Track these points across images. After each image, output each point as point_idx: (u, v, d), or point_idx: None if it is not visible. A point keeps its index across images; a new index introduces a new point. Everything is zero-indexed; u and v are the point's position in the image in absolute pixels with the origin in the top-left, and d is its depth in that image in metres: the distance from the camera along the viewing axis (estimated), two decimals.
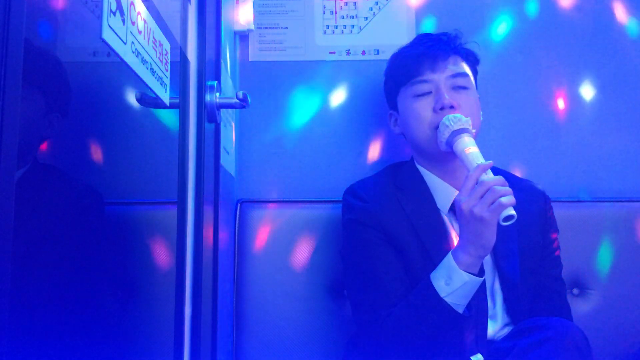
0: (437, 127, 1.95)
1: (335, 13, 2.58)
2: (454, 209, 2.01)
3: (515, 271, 2.01)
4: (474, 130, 1.91)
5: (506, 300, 2.01)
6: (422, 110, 2.01)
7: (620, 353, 2.29)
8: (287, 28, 2.58)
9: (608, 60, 2.58)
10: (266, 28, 2.57)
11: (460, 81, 2.04)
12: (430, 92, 2.02)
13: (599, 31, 2.59)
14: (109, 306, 2.15)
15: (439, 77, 2.02)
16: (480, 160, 1.80)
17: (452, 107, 1.96)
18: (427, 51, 2.04)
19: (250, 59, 2.56)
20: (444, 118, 1.92)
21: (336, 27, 2.58)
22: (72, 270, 1.87)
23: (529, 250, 2.06)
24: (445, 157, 2.01)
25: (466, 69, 2.08)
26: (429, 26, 2.55)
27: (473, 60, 2.15)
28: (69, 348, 1.73)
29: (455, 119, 1.90)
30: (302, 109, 2.53)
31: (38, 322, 1.63)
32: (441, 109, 1.96)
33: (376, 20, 2.58)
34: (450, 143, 1.89)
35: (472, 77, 2.10)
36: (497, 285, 2.02)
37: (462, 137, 1.86)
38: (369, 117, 2.53)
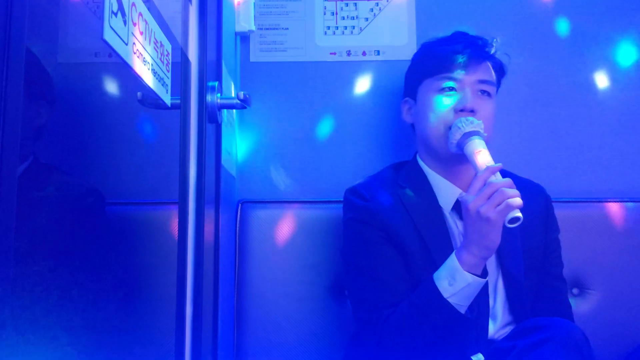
0: (451, 127, 1.95)
1: (336, 14, 2.58)
2: (456, 207, 2.02)
3: (519, 270, 2.01)
4: (485, 134, 1.91)
5: (509, 299, 2.01)
6: (442, 106, 2.00)
7: (620, 353, 2.29)
8: (287, 29, 2.58)
9: (608, 61, 2.59)
10: (267, 29, 2.57)
11: (486, 87, 2.03)
12: (454, 90, 2.01)
13: (598, 33, 2.60)
14: (110, 305, 2.16)
15: (468, 79, 2.01)
16: (490, 162, 1.81)
17: (472, 110, 1.96)
18: (463, 50, 2.02)
19: (251, 60, 2.56)
20: (456, 120, 1.93)
21: (337, 28, 2.58)
22: (73, 268, 1.87)
23: (531, 249, 2.06)
24: (452, 159, 2.00)
25: (494, 78, 2.09)
26: (430, 27, 2.55)
27: (501, 72, 2.15)
28: (71, 346, 1.74)
29: (468, 122, 1.90)
30: (302, 110, 2.53)
31: (39, 318, 1.63)
32: (461, 110, 1.96)
33: (377, 21, 2.58)
34: (461, 145, 1.89)
35: (495, 87, 2.10)
36: (500, 284, 2.02)
37: (473, 139, 1.87)
38: (370, 118, 2.53)
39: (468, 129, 1.89)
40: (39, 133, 1.98)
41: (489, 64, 2.08)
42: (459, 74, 2.01)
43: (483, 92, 2.02)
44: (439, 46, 2.10)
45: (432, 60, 2.08)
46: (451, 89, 2.01)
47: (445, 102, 2.00)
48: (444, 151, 2.00)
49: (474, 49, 2.04)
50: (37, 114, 1.92)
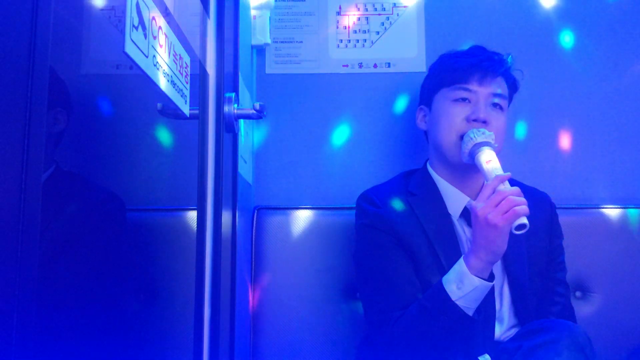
0: (463, 136, 1.96)
1: (348, 28, 2.59)
2: (464, 214, 2.03)
3: (524, 275, 2.02)
4: (496, 145, 1.92)
5: (514, 303, 2.01)
6: (456, 115, 2.01)
7: (621, 353, 2.29)
8: (302, 42, 2.58)
9: (610, 73, 2.58)
10: (282, 42, 2.58)
11: (499, 100, 2.04)
12: (469, 101, 2.02)
13: (600, 45, 2.59)
14: (131, 307, 2.16)
15: (483, 91, 2.02)
16: (499, 172, 1.82)
17: (484, 121, 1.97)
18: (480, 64, 2.04)
19: (266, 72, 2.56)
20: (469, 131, 1.94)
21: (349, 41, 2.58)
22: (96, 272, 1.88)
23: (536, 255, 2.06)
24: (462, 167, 2.02)
25: (507, 92, 2.10)
26: (438, 40, 2.55)
27: (513, 89, 2.16)
28: (93, 346, 1.74)
29: (479, 132, 1.91)
30: (316, 120, 2.54)
31: (63, 321, 1.63)
32: (474, 120, 1.98)
33: (387, 35, 2.58)
34: (472, 154, 1.90)
35: (507, 102, 2.11)
36: (506, 288, 2.02)
37: (484, 149, 1.88)
38: (381, 127, 2.53)
39: (479, 140, 1.89)
40: (58, 139, 1.99)
41: (503, 79, 2.09)
42: (474, 85, 2.02)
43: (495, 105, 2.03)
44: (456, 58, 2.11)
45: (450, 71, 2.09)
46: (465, 99, 2.02)
47: (459, 112, 2.02)
48: (455, 158, 2.01)
49: (490, 63, 2.05)
50: (54, 120, 1.93)
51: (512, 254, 1.95)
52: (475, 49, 2.14)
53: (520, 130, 2.53)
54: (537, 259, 2.07)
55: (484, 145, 1.88)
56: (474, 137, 1.90)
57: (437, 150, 2.09)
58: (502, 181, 1.77)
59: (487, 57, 2.08)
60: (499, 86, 2.06)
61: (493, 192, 1.76)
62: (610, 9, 2.61)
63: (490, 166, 1.84)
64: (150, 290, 2.20)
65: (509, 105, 2.13)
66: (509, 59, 2.12)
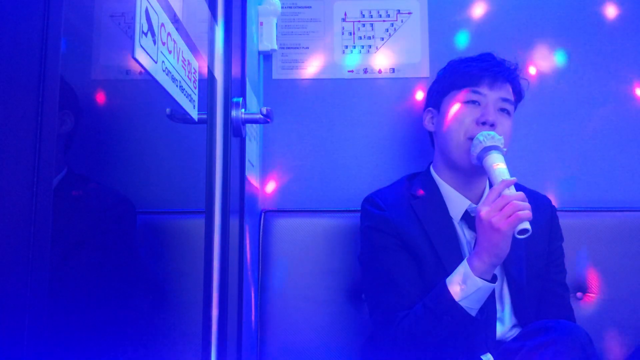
0: (471, 138, 1.96)
1: (353, 34, 2.58)
2: (465, 217, 2.03)
3: (522, 276, 2.02)
4: (505, 150, 1.92)
5: (514, 304, 2.02)
6: (466, 117, 2.02)
7: (622, 354, 2.28)
8: (308, 48, 2.58)
9: (610, 78, 2.57)
10: (288, 48, 2.58)
11: (506, 105, 2.05)
12: (478, 104, 2.03)
13: (599, 52, 2.59)
14: (141, 308, 2.16)
15: (492, 96, 2.03)
16: (506, 176, 1.82)
17: (492, 125, 1.98)
18: (491, 68, 2.05)
19: (273, 77, 2.56)
20: (478, 134, 1.94)
21: (354, 47, 2.58)
22: (106, 273, 1.88)
23: (535, 257, 2.06)
24: (467, 169, 2.02)
25: (513, 99, 2.10)
26: (442, 47, 2.55)
27: (519, 97, 2.16)
28: (103, 347, 1.74)
29: (489, 136, 1.92)
30: (322, 124, 2.53)
31: (74, 323, 1.63)
32: (483, 123, 1.98)
33: (392, 41, 2.58)
34: (480, 157, 1.91)
35: (514, 107, 2.12)
36: (506, 290, 2.03)
37: (492, 153, 1.88)
38: (385, 132, 2.53)
39: (488, 143, 1.90)
40: (68, 142, 1.99)
41: (510, 86, 2.10)
42: (484, 89, 2.03)
43: (503, 109, 2.04)
44: (467, 63, 2.12)
45: (461, 74, 2.10)
46: (475, 102, 2.03)
47: (468, 113, 2.02)
48: (461, 160, 2.01)
49: (500, 69, 2.07)
50: (61, 121, 1.93)
51: (511, 256, 1.94)
52: (485, 55, 2.14)
53: (524, 134, 2.52)
54: (535, 260, 2.07)
55: (492, 149, 1.89)
56: (484, 140, 1.91)
57: (443, 152, 2.09)
58: (507, 186, 1.78)
59: (497, 63, 2.09)
60: (507, 92, 2.07)
61: (498, 196, 1.76)
62: (606, 19, 2.60)
63: (498, 170, 1.84)
64: (160, 291, 2.19)
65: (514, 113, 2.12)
66: (517, 68, 2.13)
